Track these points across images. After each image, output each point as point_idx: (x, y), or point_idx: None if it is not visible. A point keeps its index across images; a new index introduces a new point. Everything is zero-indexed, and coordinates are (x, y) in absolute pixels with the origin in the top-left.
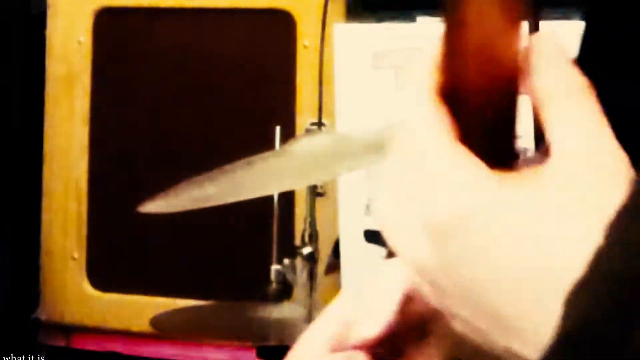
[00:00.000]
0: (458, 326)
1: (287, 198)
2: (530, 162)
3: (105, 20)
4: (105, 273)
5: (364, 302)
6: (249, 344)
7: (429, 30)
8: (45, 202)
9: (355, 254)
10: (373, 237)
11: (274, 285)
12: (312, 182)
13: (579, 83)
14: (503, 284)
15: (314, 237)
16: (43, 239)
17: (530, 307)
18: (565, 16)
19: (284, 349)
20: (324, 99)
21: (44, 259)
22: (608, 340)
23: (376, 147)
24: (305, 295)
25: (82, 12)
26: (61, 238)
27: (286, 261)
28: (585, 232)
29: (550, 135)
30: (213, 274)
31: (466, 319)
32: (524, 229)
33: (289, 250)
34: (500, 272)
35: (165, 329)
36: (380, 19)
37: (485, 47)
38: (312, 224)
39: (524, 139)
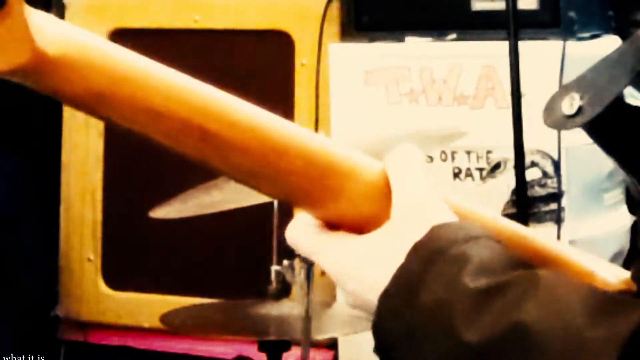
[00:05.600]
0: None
1: (287, 204)
2: None
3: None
4: (119, 273)
5: None
6: (252, 338)
7: (417, 50)
8: (64, 209)
9: None
10: None
11: (274, 284)
12: None
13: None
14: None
15: None
16: (61, 242)
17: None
18: (544, 37)
19: (284, 343)
20: (320, 113)
21: (62, 261)
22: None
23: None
24: (302, 293)
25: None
26: (78, 242)
27: (285, 262)
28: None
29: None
30: (218, 274)
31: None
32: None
33: (288, 252)
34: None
35: (174, 325)
36: (372, 39)
37: None
38: None
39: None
